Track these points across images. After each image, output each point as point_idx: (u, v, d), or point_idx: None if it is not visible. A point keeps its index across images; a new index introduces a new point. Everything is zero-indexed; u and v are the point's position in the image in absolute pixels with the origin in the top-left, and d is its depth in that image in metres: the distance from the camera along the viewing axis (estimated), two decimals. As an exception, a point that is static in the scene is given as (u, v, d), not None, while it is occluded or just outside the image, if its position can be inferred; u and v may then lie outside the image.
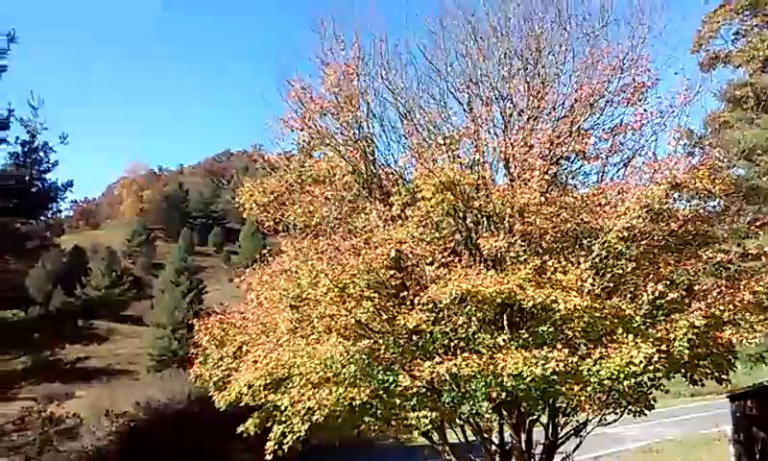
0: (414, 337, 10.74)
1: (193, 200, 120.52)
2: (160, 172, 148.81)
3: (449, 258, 10.73)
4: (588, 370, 9.14)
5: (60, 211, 18.54)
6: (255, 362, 11.78)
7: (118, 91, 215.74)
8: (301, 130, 13.10)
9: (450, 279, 9.93)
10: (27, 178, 15.97)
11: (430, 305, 10.14)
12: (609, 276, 10.42)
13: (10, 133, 16.09)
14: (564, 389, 9.27)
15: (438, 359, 9.68)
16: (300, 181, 13.62)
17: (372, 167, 12.91)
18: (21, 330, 17.01)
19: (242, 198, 14.11)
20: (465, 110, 12.44)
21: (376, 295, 10.65)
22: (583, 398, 9.33)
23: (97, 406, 25.93)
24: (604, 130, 11.61)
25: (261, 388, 11.26)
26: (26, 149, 16.09)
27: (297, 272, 11.12)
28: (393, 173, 13.01)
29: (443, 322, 10.47)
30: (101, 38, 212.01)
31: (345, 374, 10.46)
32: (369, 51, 12.97)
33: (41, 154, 16.06)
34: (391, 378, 10.28)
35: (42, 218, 17.86)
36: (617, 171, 11.77)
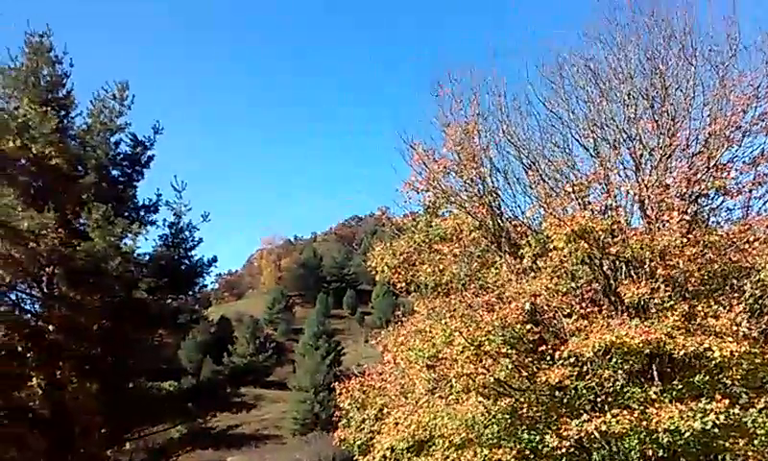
0: (557, 394, 10.34)
1: (327, 265, 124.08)
2: (295, 241, 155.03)
3: (588, 309, 10.33)
4: (753, 421, 8.39)
5: (206, 285, 19.67)
6: (396, 424, 11.78)
7: (251, 165, 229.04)
8: (426, 190, 13.29)
9: (592, 331, 9.52)
10: (176, 257, 17.19)
11: (572, 359, 9.74)
12: (767, 318, 9.62)
13: (159, 216, 17.52)
14: (727, 444, 8.54)
15: (585, 417, 9.23)
16: (427, 240, 13.73)
17: (498, 221, 12.80)
18: (177, 400, 17.99)
19: (373, 262, 14.39)
20: (591, 155, 12.13)
21: (514, 351, 10.40)
22: (750, 453, 8.56)
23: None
24: (744, 162, 10.87)
25: (404, 451, 11.22)
26: (173, 230, 17.38)
27: (431, 331, 11.09)
28: (521, 225, 12.81)
29: (587, 376, 10.03)
30: (237, 118, 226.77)
31: (487, 434, 10.22)
32: (487, 107, 13.06)
33: (187, 233, 17.29)
34: (537, 438, 9.90)
35: (191, 293, 18.97)
36: (764, 204, 10.97)
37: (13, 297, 16.11)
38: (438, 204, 13.55)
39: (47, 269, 15.50)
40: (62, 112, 16.35)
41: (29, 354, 15.63)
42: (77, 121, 16.90)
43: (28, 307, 16.37)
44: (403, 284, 14.35)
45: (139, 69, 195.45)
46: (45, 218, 14.11)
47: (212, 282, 19.75)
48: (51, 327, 15.52)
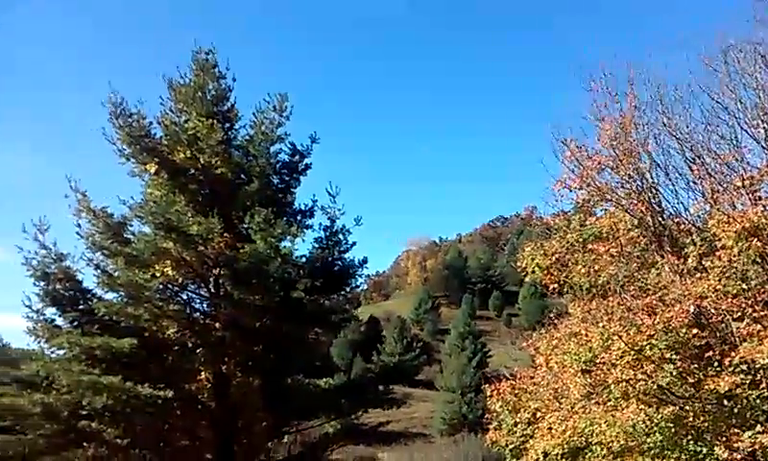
0: (726, 403, 9.68)
1: (472, 266, 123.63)
2: (440, 242, 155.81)
3: (762, 312, 9.59)
4: None
5: (357, 286, 20.22)
6: (550, 429, 11.53)
7: (397, 167, 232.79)
8: (579, 188, 12.89)
9: (766, 336, 8.83)
10: (330, 258, 17.87)
11: (743, 367, 9.08)
12: None
13: (314, 221, 18.27)
14: None
15: (759, 428, 8.57)
16: (581, 239, 13.32)
17: (659, 218, 12.18)
18: (331, 397, 18.64)
19: (523, 262, 14.16)
20: (763, 147, 11.25)
21: (677, 357, 9.86)
22: None
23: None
24: None
25: (559, 457, 10.99)
26: (327, 233, 18.07)
27: (586, 334, 10.75)
28: (684, 222, 12.13)
29: (761, 385, 9.30)
30: (381, 118, 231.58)
31: (649, 443, 9.77)
32: (645, 100, 12.46)
33: (341, 236, 17.92)
34: (704, 450, 9.33)
35: (343, 293, 19.60)
36: None
37: (184, 296, 17.38)
38: (592, 201, 13.11)
39: (214, 270, 16.61)
40: (227, 124, 17.48)
41: (198, 350, 16.90)
42: (240, 132, 18.01)
43: (197, 306, 17.64)
44: (555, 286, 14.02)
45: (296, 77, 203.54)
46: (212, 223, 15.12)
47: (362, 283, 20.25)
48: (218, 325, 16.65)
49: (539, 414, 12.70)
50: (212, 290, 17.04)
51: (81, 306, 15.82)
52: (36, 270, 15.53)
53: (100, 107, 16.30)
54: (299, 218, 17.99)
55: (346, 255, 18.22)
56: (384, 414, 20.90)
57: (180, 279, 16.61)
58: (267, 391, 16.81)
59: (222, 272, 16.54)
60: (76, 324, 15.62)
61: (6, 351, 19.24)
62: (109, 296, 16.11)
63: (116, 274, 15.50)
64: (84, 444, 15.11)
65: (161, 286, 16.05)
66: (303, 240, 17.43)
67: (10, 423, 14.43)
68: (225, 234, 15.68)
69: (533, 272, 13.99)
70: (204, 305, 17.54)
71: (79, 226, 16.37)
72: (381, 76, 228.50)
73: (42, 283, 15.54)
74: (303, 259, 17.44)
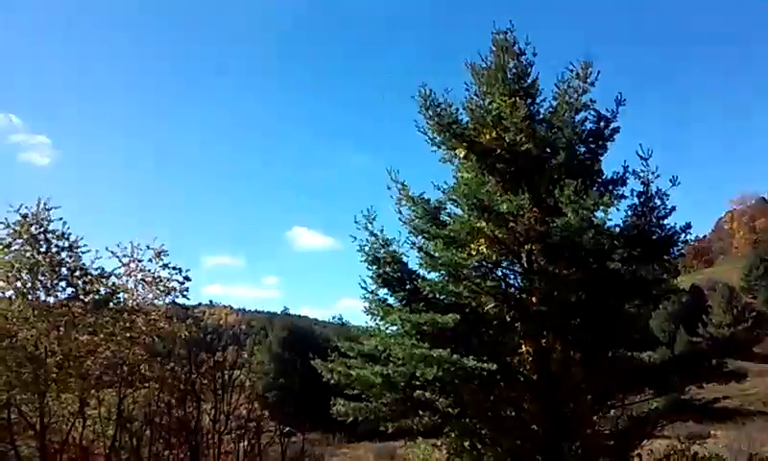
0: None
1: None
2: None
3: None
4: None
5: (680, 254, 18.85)
6: None
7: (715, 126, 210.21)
8: None
9: None
10: (647, 226, 16.88)
11: None
12: None
13: (626, 188, 17.40)
14: None
15: None
16: None
17: None
18: (655, 371, 17.74)
19: None
20: None
21: None
22: None
23: (733, 448, 24.87)
24: None
25: None
26: (642, 199, 17.09)
27: None
28: None
29: None
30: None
31: None
32: None
33: (657, 201, 16.81)
34: None
35: (662, 262, 18.41)
36: None
37: (499, 272, 17.87)
38: None
39: (526, 246, 16.80)
40: (529, 100, 17.51)
41: (516, 324, 17.28)
42: (543, 106, 17.91)
43: (512, 282, 18.02)
44: None
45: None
46: (521, 200, 15.34)
47: (683, 250, 18.75)
48: (534, 300, 16.84)
49: None
50: (525, 265, 17.26)
51: (407, 286, 17.18)
52: (369, 255, 17.24)
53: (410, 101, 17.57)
54: (609, 187, 17.32)
55: (664, 222, 17.09)
56: (716, 390, 19.23)
57: (495, 257, 17.11)
58: (588, 364, 16.61)
59: (534, 247, 16.67)
60: (405, 302, 17.00)
61: (349, 330, 21.76)
62: (432, 275, 17.32)
63: (436, 255, 16.58)
64: (420, 412, 16.50)
65: (477, 264, 16.72)
66: (617, 209, 16.77)
67: (358, 391, 16.34)
68: (534, 210, 15.77)
69: None
70: (519, 281, 17.84)
71: (400, 213, 17.86)
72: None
73: (374, 267, 17.20)
74: (618, 229, 16.78)
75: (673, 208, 16.94)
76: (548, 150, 17.18)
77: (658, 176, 16.79)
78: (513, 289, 17.93)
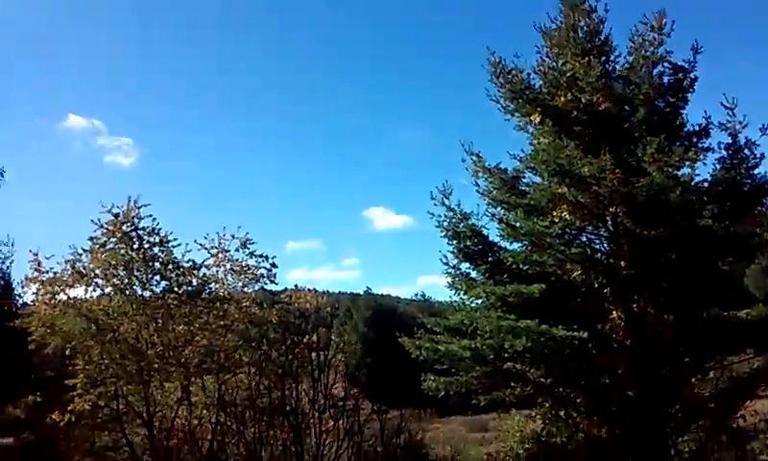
0: None
1: None
2: None
3: None
4: None
5: (768, 205, 18.00)
6: None
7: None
8: None
9: None
10: (737, 178, 16.18)
11: None
12: None
13: (711, 140, 16.73)
14: None
15: None
16: None
17: None
18: (755, 329, 17.07)
19: None
20: None
21: None
22: None
23: None
24: None
25: None
26: (730, 151, 16.39)
27: None
28: None
29: None
30: None
31: None
32: None
33: (746, 151, 16.09)
34: None
35: (754, 215, 17.64)
36: None
37: (584, 238, 17.55)
38: None
39: (610, 209, 16.43)
40: (603, 58, 16.99)
41: (605, 290, 16.96)
42: (618, 62, 17.34)
43: (597, 247, 17.67)
44: None
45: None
46: (602, 161, 14.95)
47: (772, 200, 17.80)
48: (622, 263, 16.47)
49: None
50: (611, 229, 16.88)
51: (490, 259, 17.10)
52: (448, 231, 17.21)
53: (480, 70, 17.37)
54: (693, 140, 16.70)
55: (755, 172, 16.38)
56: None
57: (578, 222, 16.82)
58: (683, 326, 16.11)
59: (619, 209, 16.28)
60: (488, 275, 16.95)
61: (432, 306, 21.99)
62: (514, 246, 17.22)
63: (517, 225, 16.44)
64: (511, 384, 16.46)
65: (560, 231, 16.46)
66: (704, 163, 16.18)
67: (447, 366, 16.45)
68: (616, 171, 15.33)
69: None
70: (605, 245, 17.47)
71: (477, 185, 17.68)
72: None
73: (454, 242, 17.18)
74: (706, 184, 16.20)
75: (762, 156, 16.23)
76: (627, 107, 16.71)
77: (745, 126, 16.12)
78: (599, 255, 17.62)
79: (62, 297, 18.71)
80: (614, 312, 16.39)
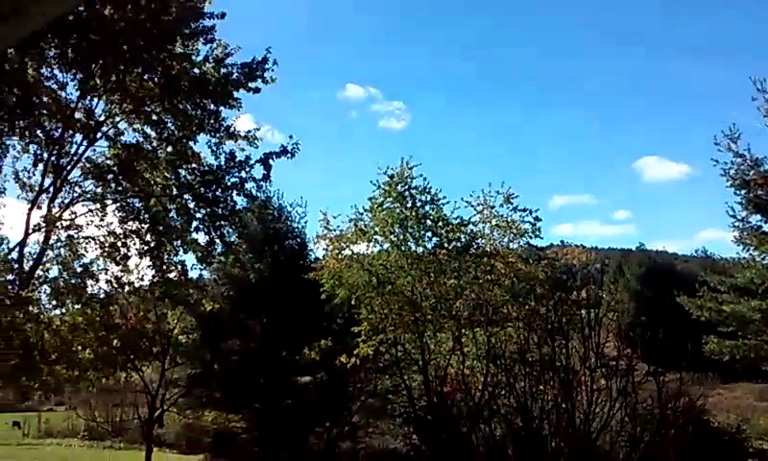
0: None
1: None
2: None
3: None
4: None
5: None
6: None
7: None
8: None
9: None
10: None
11: None
12: None
13: None
14: None
15: None
16: None
17: None
18: None
19: None
20: None
21: None
22: None
23: None
24: None
25: None
26: None
27: None
28: None
29: None
30: None
31: None
32: None
33: None
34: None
35: None
36: None
37: None
38: None
39: None
40: None
41: None
42: None
43: None
44: None
45: None
46: None
47: None
48: None
49: None
50: None
51: (786, 209, 15.28)
52: (735, 179, 15.62)
53: None
54: None
55: None
56: None
57: None
58: None
59: None
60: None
61: (716, 263, 20.09)
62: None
63: None
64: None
65: None
66: None
67: (733, 328, 15.10)
68: None
69: None
70: None
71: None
72: None
73: (743, 191, 15.59)
74: None
75: None
76: None
77: None
78: None
79: (347, 252, 20.68)
80: None
